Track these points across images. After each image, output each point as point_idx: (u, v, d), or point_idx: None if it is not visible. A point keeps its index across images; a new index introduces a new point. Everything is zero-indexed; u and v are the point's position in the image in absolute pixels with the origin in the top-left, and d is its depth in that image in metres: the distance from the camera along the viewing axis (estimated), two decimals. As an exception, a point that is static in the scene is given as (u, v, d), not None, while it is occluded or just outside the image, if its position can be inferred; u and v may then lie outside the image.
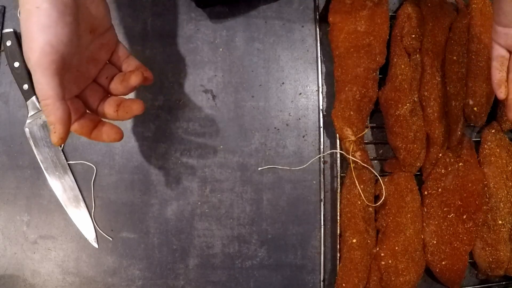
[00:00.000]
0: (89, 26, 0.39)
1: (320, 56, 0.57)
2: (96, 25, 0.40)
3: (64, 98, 0.35)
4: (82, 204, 0.55)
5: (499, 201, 0.52)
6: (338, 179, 0.54)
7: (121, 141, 0.56)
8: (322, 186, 0.55)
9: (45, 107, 0.34)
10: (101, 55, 0.42)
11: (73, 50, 0.36)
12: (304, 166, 0.56)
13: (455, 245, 0.51)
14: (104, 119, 0.42)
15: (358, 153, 0.52)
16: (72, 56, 0.36)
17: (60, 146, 0.55)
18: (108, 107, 0.42)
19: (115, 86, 0.43)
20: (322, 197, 0.55)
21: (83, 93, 0.41)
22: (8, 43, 0.55)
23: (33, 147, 0.55)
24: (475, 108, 0.53)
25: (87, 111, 0.42)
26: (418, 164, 0.53)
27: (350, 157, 0.51)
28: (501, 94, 0.42)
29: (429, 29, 0.53)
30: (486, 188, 0.53)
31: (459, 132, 0.53)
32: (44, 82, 0.33)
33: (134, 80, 0.42)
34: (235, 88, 0.57)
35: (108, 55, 0.43)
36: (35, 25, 0.33)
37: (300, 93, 0.57)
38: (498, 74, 0.42)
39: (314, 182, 0.56)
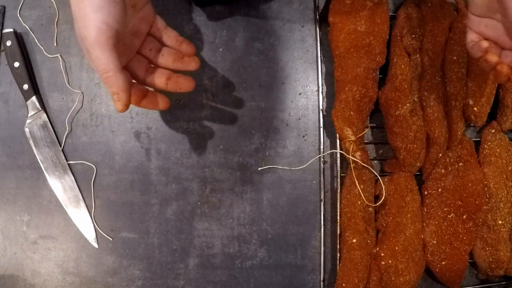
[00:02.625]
0: (131, 1, 0.41)
1: (320, 56, 0.57)
2: (137, 0, 0.43)
3: (122, 69, 0.38)
4: (82, 204, 0.55)
5: (499, 201, 0.52)
6: (338, 179, 0.54)
7: (121, 141, 0.56)
8: (322, 186, 0.55)
9: (107, 80, 0.38)
10: (142, 28, 0.45)
11: (124, 25, 0.39)
12: (304, 166, 0.56)
13: (455, 245, 0.51)
14: (151, 89, 0.45)
15: (358, 153, 0.52)
16: (123, 31, 0.39)
17: (60, 146, 0.55)
18: (158, 78, 0.45)
19: (165, 61, 0.46)
20: (322, 197, 0.55)
21: (129, 64, 0.44)
22: (8, 43, 0.55)
23: (33, 147, 0.55)
24: (475, 108, 0.53)
25: (134, 81, 0.45)
26: (418, 164, 0.53)
27: (350, 157, 0.51)
28: (484, 43, 0.42)
29: (429, 29, 0.53)
30: (486, 188, 0.53)
31: (459, 132, 0.53)
32: (104, 57, 0.37)
33: (193, 66, 0.47)
34: (235, 88, 0.57)
35: (148, 27, 0.46)
36: (89, 7, 0.36)
37: (300, 93, 0.57)
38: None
39: (314, 182, 0.56)
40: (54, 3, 0.57)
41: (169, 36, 0.47)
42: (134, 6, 0.42)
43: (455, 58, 0.52)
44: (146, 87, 0.46)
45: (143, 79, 0.45)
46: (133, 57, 0.45)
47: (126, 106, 0.39)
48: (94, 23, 0.36)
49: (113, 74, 0.38)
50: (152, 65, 0.46)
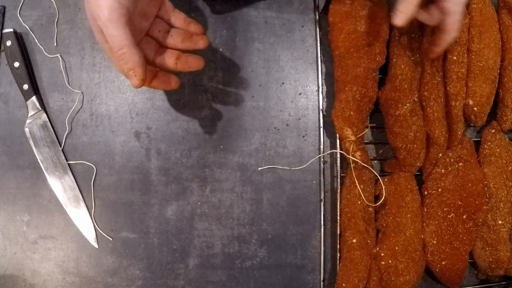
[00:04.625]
0: None
1: (320, 56, 0.57)
2: None
3: (136, 45, 0.39)
4: (82, 204, 0.55)
5: (499, 201, 0.52)
6: (338, 179, 0.54)
7: (121, 141, 0.56)
8: (322, 186, 0.55)
9: (122, 56, 0.39)
10: (151, 10, 0.46)
11: (135, 4, 0.41)
12: (304, 166, 0.56)
13: (455, 245, 0.51)
14: (161, 70, 0.46)
15: (358, 153, 0.52)
16: (133, 10, 0.41)
17: (60, 146, 0.55)
18: (168, 59, 0.46)
19: (174, 41, 0.47)
20: (322, 197, 0.55)
21: (139, 46, 0.45)
22: (8, 43, 0.55)
23: (33, 147, 0.55)
24: (475, 108, 0.53)
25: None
26: (418, 164, 0.53)
27: (350, 157, 0.51)
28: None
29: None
30: (486, 188, 0.53)
31: (459, 132, 0.53)
32: (118, 34, 0.38)
33: (202, 44, 0.47)
34: (235, 88, 0.57)
35: (156, 9, 0.46)
36: None
37: (300, 93, 0.57)
38: None
39: (314, 182, 0.56)
40: (54, 3, 0.57)
41: (177, 18, 0.48)
42: None
43: (455, 58, 0.52)
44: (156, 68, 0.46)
45: (153, 60, 0.46)
46: (142, 39, 0.45)
47: (143, 81, 0.40)
48: (106, 2, 0.37)
49: (128, 50, 0.38)
50: (161, 47, 0.47)
